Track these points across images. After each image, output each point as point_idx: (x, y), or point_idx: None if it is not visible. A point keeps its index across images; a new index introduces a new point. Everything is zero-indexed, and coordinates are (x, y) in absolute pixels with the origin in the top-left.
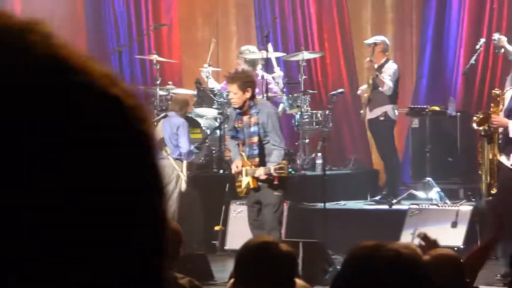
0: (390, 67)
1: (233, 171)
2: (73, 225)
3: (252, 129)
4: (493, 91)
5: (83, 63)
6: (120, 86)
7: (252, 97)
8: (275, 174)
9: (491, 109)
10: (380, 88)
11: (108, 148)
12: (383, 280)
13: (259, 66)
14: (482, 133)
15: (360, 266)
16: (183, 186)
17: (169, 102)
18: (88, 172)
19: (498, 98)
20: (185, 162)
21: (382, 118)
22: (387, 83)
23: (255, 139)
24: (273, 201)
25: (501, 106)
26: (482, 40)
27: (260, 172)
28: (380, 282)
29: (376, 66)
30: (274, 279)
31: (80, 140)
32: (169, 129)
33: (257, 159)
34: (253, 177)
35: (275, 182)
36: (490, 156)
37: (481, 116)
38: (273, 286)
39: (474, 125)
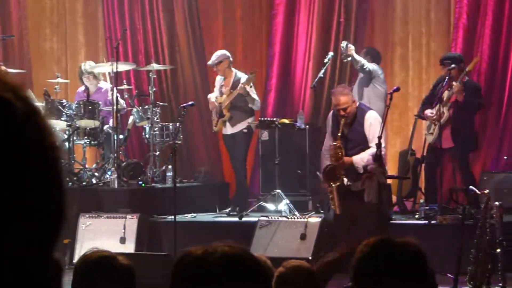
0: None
1: None
2: None
3: None
4: (330, 145)
5: None
6: (12, 89)
7: None
8: None
9: (333, 162)
10: (250, 105)
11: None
12: (215, 279)
13: (101, 78)
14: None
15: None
16: None
17: None
18: None
19: (338, 151)
20: None
21: (245, 131)
22: (256, 98)
23: None
24: None
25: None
26: (330, 53)
27: None
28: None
29: (231, 82)
30: None
31: None
32: None
33: None
34: None
35: None
36: None
37: (327, 170)
38: None
39: (331, 184)
